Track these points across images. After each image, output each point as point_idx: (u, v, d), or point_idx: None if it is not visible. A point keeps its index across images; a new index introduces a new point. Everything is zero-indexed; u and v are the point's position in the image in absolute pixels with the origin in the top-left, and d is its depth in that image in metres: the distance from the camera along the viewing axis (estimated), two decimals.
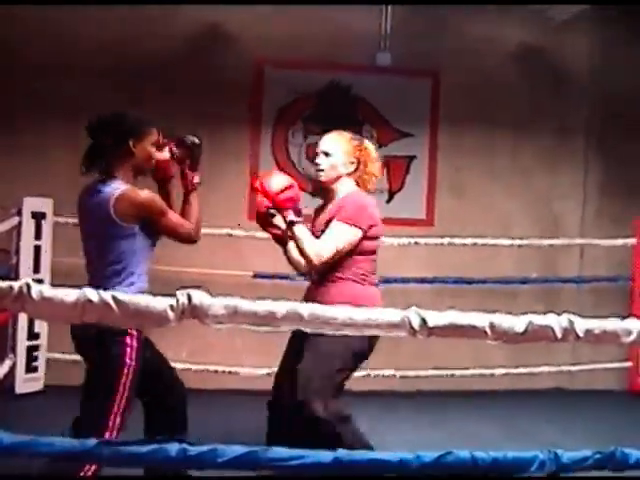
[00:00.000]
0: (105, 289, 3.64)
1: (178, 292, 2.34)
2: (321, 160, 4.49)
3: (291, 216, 4.29)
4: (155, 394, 4.28)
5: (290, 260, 4.72)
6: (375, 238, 4.39)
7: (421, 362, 7.13)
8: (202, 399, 6.46)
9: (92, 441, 2.41)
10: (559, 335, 2.51)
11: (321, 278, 4.42)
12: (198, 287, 2.39)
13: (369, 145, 4.63)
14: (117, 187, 3.91)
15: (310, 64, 7.38)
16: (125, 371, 3.86)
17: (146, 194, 3.93)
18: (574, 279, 7.83)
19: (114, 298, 2.29)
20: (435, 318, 2.43)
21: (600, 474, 2.69)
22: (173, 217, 4.04)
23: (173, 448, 2.42)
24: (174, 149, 4.17)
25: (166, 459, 2.42)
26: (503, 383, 7.43)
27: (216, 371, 6.94)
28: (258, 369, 6.92)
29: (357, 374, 6.87)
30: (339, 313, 2.39)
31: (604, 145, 7.96)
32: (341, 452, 2.48)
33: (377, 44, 7.38)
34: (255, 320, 2.36)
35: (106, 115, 4.10)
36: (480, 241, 7.21)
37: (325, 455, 2.47)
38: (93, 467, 3.73)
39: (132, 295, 2.40)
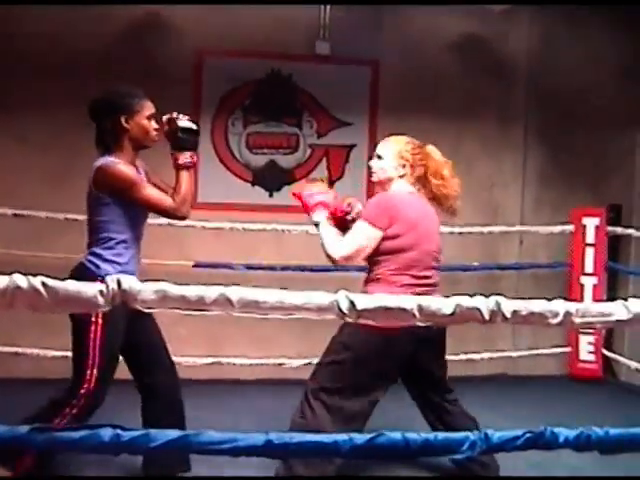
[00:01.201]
0: (91, 254, 4.12)
1: (107, 277, 2.35)
2: (373, 162, 4.72)
3: (315, 217, 4.55)
4: (151, 376, 4.50)
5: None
6: (394, 237, 4.42)
7: None
8: None
9: (24, 428, 2.41)
10: (487, 317, 2.54)
11: (364, 282, 4.59)
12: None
13: (431, 149, 4.78)
14: (102, 160, 4.17)
15: (250, 53, 7.36)
16: (92, 328, 4.11)
17: (120, 168, 4.13)
18: (514, 266, 7.92)
19: (43, 284, 2.28)
20: (364, 301, 2.46)
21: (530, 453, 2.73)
22: (147, 190, 4.16)
23: (106, 433, 2.42)
24: (165, 127, 4.31)
25: (99, 444, 2.42)
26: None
27: None
28: (201, 359, 6.93)
29: (298, 362, 6.96)
30: (268, 297, 2.41)
31: (543, 134, 8.04)
32: (273, 435, 2.50)
33: (316, 33, 7.39)
34: (185, 305, 2.37)
35: (97, 97, 4.35)
36: None
37: (257, 438, 2.48)
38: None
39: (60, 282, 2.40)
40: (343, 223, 4.68)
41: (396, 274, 4.44)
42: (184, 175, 4.25)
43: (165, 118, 4.31)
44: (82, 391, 4.13)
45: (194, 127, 4.31)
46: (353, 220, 4.62)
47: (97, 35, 7.09)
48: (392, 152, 4.64)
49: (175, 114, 4.29)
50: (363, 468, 4.81)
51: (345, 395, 4.44)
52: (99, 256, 4.19)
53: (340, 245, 4.43)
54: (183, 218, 4.29)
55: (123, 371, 4.49)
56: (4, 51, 6.93)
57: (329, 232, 4.51)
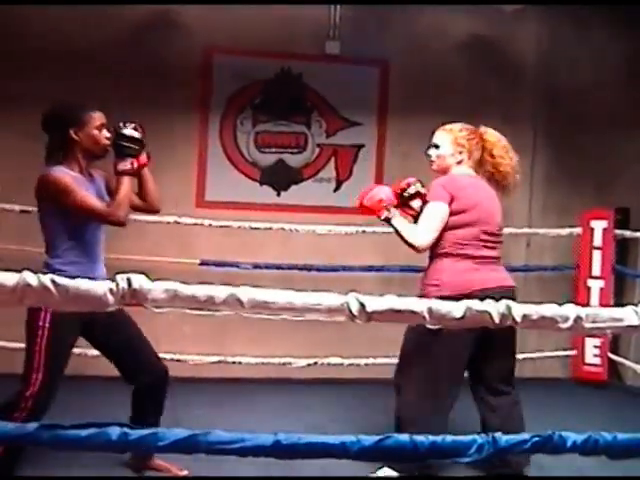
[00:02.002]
0: (43, 265, 4.14)
1: (118, 276, 2.35)
2: (431, 152, 4.90)
3: (384, 215, 4.68)
4: (136, 372, 4.59)
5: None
6: (458, 212, 4.60)
7: (366, 350, 7.15)
8: None
9: (32, 425, 2.41)
10: (497, 320, 2.53)
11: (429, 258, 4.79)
12: (141, 273, 2.41)
13: (485, 130, 5.03)
14: (44, 171, 4.27)
15: (259, 52, 7.36)
16: (39, 332, 4.16)
17: (56, 175, 4.22)
18: (521, 268, 7.90)
19: (53, 282, 2.28)
20: (374, 303, 2.46)
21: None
22: (82, 197, 4.20)
23: (114, 432, 2.41)
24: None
25: (107, 442, 2.41)
26: None
27: (164, 359, 6.90)
28: (206, 357, 6.93)
29: (304, 362, 6.96)
30: (278, 298, 2.41)
31: (551, 136, 8.03)
32: (281, 435, 2.49)
33: (326, 33, 7.39)
34: (195, 304, 2.37)
35: (47, 110, 4.42)
36: None
37: (266, 438, 2.48)
38: None
39: (72, 280, 2.39)
40: (406, 201, 4.77)
41: (462, 247, 4.61)
42: (122, 181, 4.29)
43: (114, 126, 4.38)
44: (27, 394, 4.18)
45: (136, 135, 4.33)
46: (413, 196, 4.74)
47: (106, 33, 7.09)
48: (448, 140, 4.85)
49: (121, 123, 4.34)
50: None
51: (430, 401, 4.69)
52: (48, 266, 4.23)
53: (419, 233, 4.58)
54: (119, 224, 4.29)
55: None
56: (12, 49, 6.94)
57: (402, 224, 4.65)
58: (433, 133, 4.99)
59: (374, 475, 4.56)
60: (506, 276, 4.82)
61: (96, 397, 6.00)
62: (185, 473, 4.73)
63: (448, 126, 4.95)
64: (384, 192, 4.76)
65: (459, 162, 4.80)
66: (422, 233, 4.57)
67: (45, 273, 3.96)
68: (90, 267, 4.33)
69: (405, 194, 4.76)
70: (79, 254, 4.31)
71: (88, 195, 4.24)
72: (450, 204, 4.58)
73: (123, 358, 4.60)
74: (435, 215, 4.58)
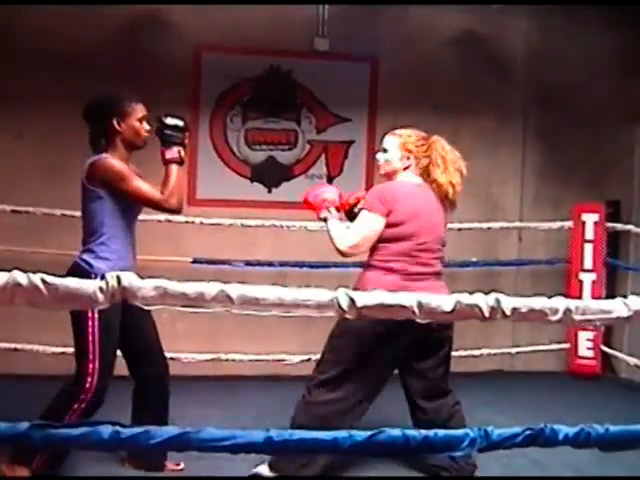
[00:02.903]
0: (84, 251, 4.23)
1: (107, 274, 2.35)
2: (379, 155, 4.80)
3: (323, 214, 4.69)
4: (145, 366, 4.66)
5: None
6: (395, 225, 4.50)
7: None
8: None
9: (24, 425, 2.41)
10: (486, 313, 2.54)
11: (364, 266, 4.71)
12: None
13: (435, 139, 4.77)
14: (95, 157, 4.32)
15: (249, 49, 7.36)
16: (90, 323, 4.23)
17: (112, 161, 4.29)
18: (513, 262, 7.91)
19: (43, 281, 2.28)
20: (363, 298, 2.46)
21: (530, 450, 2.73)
22: (137, 183, 4.28)
23: (106, 430, 2.41)
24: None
25: (99, 441, 2.41)
26: None
27: None
28: (200, 355, 6.93)
29: (298, 358, 6.96)
30: (268, 294, 2.41)
31: (542, 130, 8.04)
32: (273, 432, 2.49)
33: (315, 29, 7.40)
34: (185, 301, 2.38)
35: (90, 100, 4.47)
36: None
37: (257, 435, 2.48)
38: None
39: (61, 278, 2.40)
40: (353, 216, 4.76)
41: (391, 261, 4.51)
42: (172, 169, 4.37)
43: (156, 118, 4.46)
44: (87, 385, 4.24)
45: (180, 123, 4.46)
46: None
47: (95, 32, 7.08)
48: (396, 144, 4.71)
49: (164, 114, 4.46)
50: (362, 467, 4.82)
51: (344, 387, 4.53)
52: (92, 253, 4.30)
53: (345, 238, 4.52)
54: (174, 211, 4.42)
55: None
56: (1, 49, 6.92)
57: (334, 226, 4.62)
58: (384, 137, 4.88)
59: (253, 471, 4.57)
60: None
61: None
62: (182, 467, 4.74)
63: (398, 131, 4.83)
64: (330, 193, 4.81)
65: (406, 168, 4.69)
66: (348, 238, 4.52)
67: (85, 261, 4.25)
68: (128, 256, 4.43)
69: (355, 209, 4.79)
70: (121, 242, 4.38)
71: (142, 182, 4.32)
72: (387, 216, 4.49)
73: (134, 347, 4.66)
74: (366, 224, 4.52)
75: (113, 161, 4.29)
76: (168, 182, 4.33)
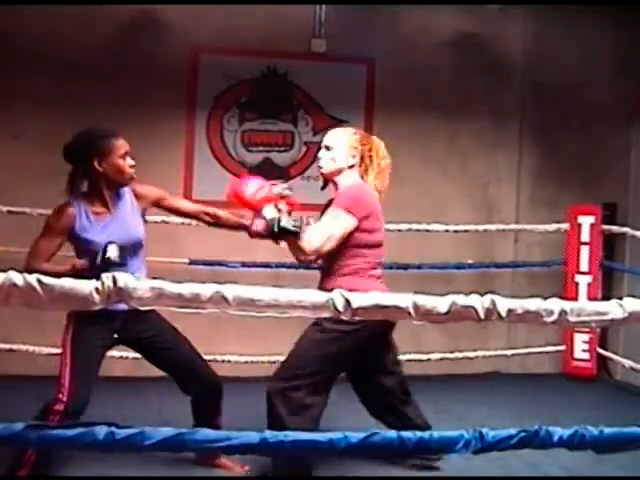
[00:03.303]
0: None
1: (103, 275, 2.35)
2: (322, 153, 4.67)
3: (268, 214, 4.30)
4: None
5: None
6: (370, 231, 4.48)
7: None
8: (138, 386, 6.47)
9: (20, 425, 2.41)
10: (482, 315, 2.54)
11: (323, 271, 4.63)
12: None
13: (376, 140, 4.77)
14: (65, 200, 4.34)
15: (245, 51, 7.36)
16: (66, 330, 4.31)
17: (60, 209, 4.34)
18: (509, 264, 7.92)
19: (39, 281, 2.28)
20: (359, 299, 2.47)
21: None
22: (38, 242, 4.29)
23: (101, 431, 2.41)
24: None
25: (94, 442, 2.41)
26: (439, 368, 7.49)
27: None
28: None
29: None
30: (264, 295, 2.42)
31: (538, 132, 8.04)
32: (268, 433, 2.50)
33: (312, 31, 7.40)
34: (181, 302, 2.37)
35: (69, 141, 4.38)
36: (415, 227, 7.25)
37: (252, 436, 2.48)
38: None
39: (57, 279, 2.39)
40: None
41: (371, 268, 4.52)
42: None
43: (269, 218, 4.24)
44: (59, 396, 4.18)
45: (294, 231, 4.24)
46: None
47: (92, 32, 7.07)
48: (342, 142, 4.63)
49: (282, 217, 4.23)
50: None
51: (309, 390, 4.52)
52: None
53: (310, 234, 4.35)
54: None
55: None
56: None
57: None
58: (325, 133, 4.84)
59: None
60: None
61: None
62: (247, 469, 4.80)
63: (341, 129, 4.83)
64: (269, 192, 4.36)
65: (350, 166, 4.62)
66: (321, 238, 4.36)
67: None
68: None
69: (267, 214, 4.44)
70: None
71: (45, 244, 4.28)
72: (363, 220, 4.43)
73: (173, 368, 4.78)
74: (339, 223, 4.41)
75: (54, 214, 4.33)
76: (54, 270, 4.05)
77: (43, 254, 4.24)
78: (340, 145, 4.61)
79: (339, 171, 4.62)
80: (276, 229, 4.23)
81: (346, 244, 4.43)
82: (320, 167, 4.69)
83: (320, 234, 4.35)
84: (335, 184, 4.68)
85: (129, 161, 4.32)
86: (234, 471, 4.79)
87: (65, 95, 6.90)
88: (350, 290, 4.07)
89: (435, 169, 7.80)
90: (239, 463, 4.80)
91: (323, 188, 4.85)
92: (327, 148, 4.64)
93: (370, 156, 4.65)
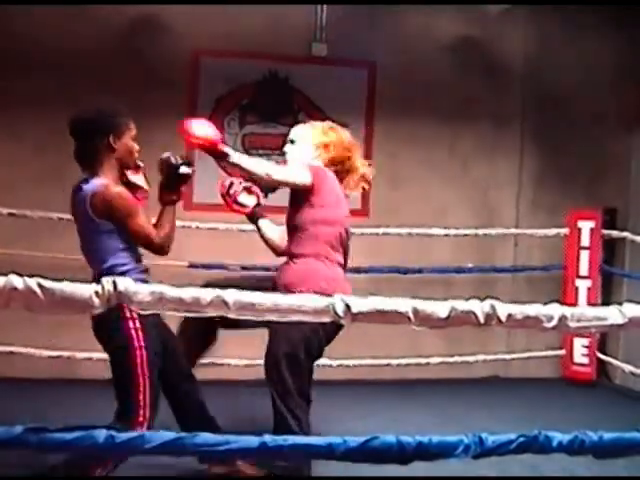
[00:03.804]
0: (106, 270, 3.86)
1: (103, 279, 2.35)
2: (287, 148, 4.69)
3: (225, 148, 4.32)
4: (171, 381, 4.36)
5: (265, 240, 4.92)
6: (323, 206, 4.43)
7: (357, 351, 7.15)
8: None
9: (18, 428, 2.40)
10: (482, 320, 2.55)
11: (288, 258, 4.57)
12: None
13: (340, 130, 4.81)
14: (95, 184, 3.98)
15: (247, 54, 7.36)
16: (137, 354, 3.99)
17: (117, 191, 3.99)
18: (509, 268, 7.92)
19: (40, 285, 2.28)
20: (359, 304, 2.47)
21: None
22: (141, 221, 4.01)
23: (100, 435, 2.41)
24: (159, 164, 4.22)
25: (93, 445, 2.41)
26: (439, 372, 7.49)
27: None
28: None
29: None
30: (264, 299, 2.42)
31: (539, 136, 8.05)
32: (268, 437, 2.50)
33: (313, 34, 7.42)
34: (181, 306, 2.37)
35: (84, 114, 4.15)
36: (415, 231, 7.26)
37: (251, 440, 2.48)
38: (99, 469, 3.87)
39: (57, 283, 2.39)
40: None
41: (331, 252, 4.46)
42: (170, 211, 4.18)
43: (164, 159, 4.21)
44: (140, 419, 4.00)
45: (190, 173, 4.25)
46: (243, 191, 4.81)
47: (94, 35, 7.08)
48: (307, 136, 4.67)
49: (172, 158, 4.20)
50: None
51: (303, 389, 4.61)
52: (112, 272, 3.91)
53: (270, 167, 4.41)
54: (162, 254, 4.17)
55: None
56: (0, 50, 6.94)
57: (246, 158, 4.45)
58: (292, 128, 4.86)
59: None
60: None
61: (85, 400, 5.99)
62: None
63: (307, 123, 4.89)
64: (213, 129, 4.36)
65: (316, 159, 4.61)
66: (279, 173, 4.39)
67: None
68: (140, 267, 4.20)
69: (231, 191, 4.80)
70: (134, 274, 3.98)
71: (146, 220, 4.05)
72: (314, 186, 4.41)
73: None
74: (297, 173, 4.42)
75: (122, 192, 4.01)
76: (166, 225, 4.11)
77: (153, 231, 4.05)
78: (306, 140, 4.66)
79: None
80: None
81: (304, 220, 4.45)
82: (285, 162, 4.70)
83: (280, 171, 4.44)
84: None
85: (136, 146, 4.21)
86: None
87: (66, 97, 6.89)
88: (307, 275, 4.35)
89: (436, 173, 7.80)
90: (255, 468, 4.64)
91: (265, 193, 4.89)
92: (292, 142, 4.70)
93: (335, 147, 4.66)
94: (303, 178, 4.39)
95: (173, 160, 4.19)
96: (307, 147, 4.63)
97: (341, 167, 4.67)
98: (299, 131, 4.74)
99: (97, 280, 3.59)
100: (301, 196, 4.47)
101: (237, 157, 4.34)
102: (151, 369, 4.03)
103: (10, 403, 5.51)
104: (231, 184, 4.82)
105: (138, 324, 3.96)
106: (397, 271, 7.26)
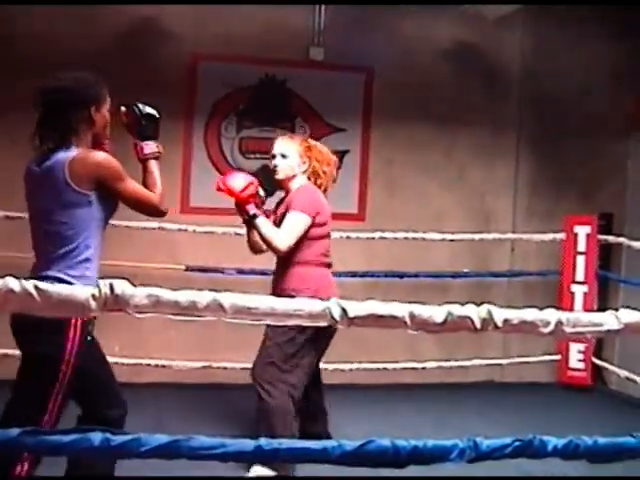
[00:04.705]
0: (60, 273, 3.54)
1: (100, 282, 2.35)
2: (278, 161, 5.15)
3: (253, 210, 4.90)
4: (94, 404, 3.86)
5: (253, 241, 5.22)
6: (322, 224, 5.07)
7: (354, 355, 7.16)
8: (134, 392, 6.45)
9: (15, 430, 2.40)
10: (478, 325, 2.55)
11: (283, 264, 5.09)
12: (125, 279, 2.40)
13: (318, 145, 5.31)
14: (72, 152, 3.60)
15: (244, 58, 7.37)
16: (63, 367, 3.58)
17: (103, 156, 3.66)
18: (505, 273, 7.93)
19: (36, 288, 2.28)
20: (355, 308, 2.47)
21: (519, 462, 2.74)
22: (134, 184, 3.72)
23: (96, 437, 2.41)
24: (124, 117, 3.97)
25: (89, 448, 2.41)
26: (435, 376, 7.50)
27: (149, 364, 6.89)
28: (192, 362, 6.93)
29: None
30: (260, 303, 2.42)
31: (536, 141, 8.06)
32: (263, 440, 2.50)
33: (310, 39, 7.42)
34: (177, 310, 2.37)
35: (60, 82, 3.75)
36: (411, 235, 7.26)
37: (247, 444, 2.48)
38: (25, 467, 3.59)
39: (53, 285, 2.38)
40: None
41: (321, 257, 5.09)
42: (153, 165, 3.87)
43: (123, 107, 3.97)
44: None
45: (156, 114, 3.96)
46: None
47: (91, 37, 7.07)
48: (294, 150, 5.14)
49: (139, 104, 3.96)
50: None
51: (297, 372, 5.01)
52: (74, 270, 3.62)
53: (282, 236, 4.90)
54: (163, 215, 3.87)
55: None
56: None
57: (268, 225, 4.96)
58: (275, 142, 5.29)
59: (248, 475, 4.74)
60: None
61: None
62: None
63: (289, 138, 5.34)
64: (252, 187, 4.93)
65: (304, 172, 5.16)
66: (287, 237, 4.89)
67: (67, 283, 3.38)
68: (96, 275, 3.70)
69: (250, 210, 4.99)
70: (95, 256, 3.71)
71: (132, 183, 3.72)
72: (315, 217, 4.98)
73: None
74: (300, 225, 4.94)
75: (106, 156, 3.67)
76: (154, 181, 3.82)
77: (149, 192, 3.76)
78: (294, 153, 5.13)
79: (295, 176, 5.15)
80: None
81: (301, 237, 4.98)
82: (277, 173, 5.15)
83: (289, 234, 4.91)
84: (287, 188, 5.18)
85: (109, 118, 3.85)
86: None
87: None
88: (302, 278, 4.93)
89: (432, 178, 7.81)
90: None
91: (269, 191, 5.17)
92: (283, 156, 5.13)
93: (315, 160, 5.18)
94: (304, 224, 4.96)
95: (139, 106, 3.95)
96: (295, 159, 5.13)
97: (320, 173, 5.21)
98: (284, 145, 5.18)
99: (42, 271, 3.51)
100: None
101: (262, 222, 4.90)
102: (70, 382, 3.61)
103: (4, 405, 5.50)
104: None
105: (77, 335, 3.58)
106: (393, 275, 7.26)
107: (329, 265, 5.19)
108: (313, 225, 5.00)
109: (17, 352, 3.82)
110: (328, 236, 5.19)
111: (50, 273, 3.57)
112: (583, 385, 7.70)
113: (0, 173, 6.94)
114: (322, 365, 6.95)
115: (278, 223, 5.03)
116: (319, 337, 4.91)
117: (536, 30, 7.89)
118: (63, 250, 3.60)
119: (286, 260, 5.03)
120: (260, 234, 4.91)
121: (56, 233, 3.62)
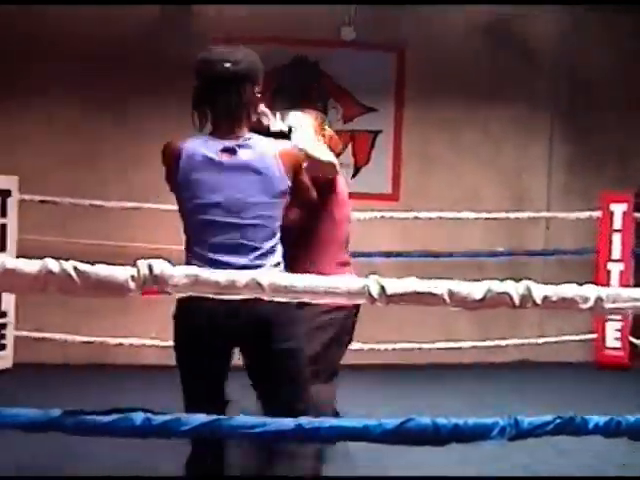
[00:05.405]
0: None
1: (139, 262, 2.35)
2: (292, 135, 4.26)
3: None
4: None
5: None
6: (341, 205, 4.26)
7: (389, 335, 7.15)
8: (173, 376, 6.48)
9: (56, 411, 2.42)
10: (517, 302, 2.54)
11: (306, 262, 4.11)
12: (158, 257, 2.39)
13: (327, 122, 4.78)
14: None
15: (275, 39, 7.33)
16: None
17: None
18: (540, 252, 7.89)
19: (75, 269, 2.29)
20: (394, 286, 2.46)
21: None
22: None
23: (138, 417, 2.43)
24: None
25: (131, 428, 2.43)
26: (470, 356, 7.49)
27: (157, 347, 6.84)
28: None
29: None
30: (299, 281, 2.41)
31: (571, 119, 7.99)
32: (303, 419, 2.50)
33: (342, 19, 7.38)
34: (216, 289, 2.37)
35: (248, 56, 3.39)
36: (445, 215, 7.23)
37: (287, 423, 2.49)
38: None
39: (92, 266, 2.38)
40: None
41: (340, 253, 4.28)
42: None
43: (261, 111, 3.59)
44: None
45: (286, 131, 3.72)
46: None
47: (122, 20, 7.08)
48: (310, 125, 4.50)
49: (271, 115, 3.71)
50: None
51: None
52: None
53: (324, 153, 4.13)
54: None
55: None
56: (32, 35, 6.96)
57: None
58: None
59: None
60: None
61: (116, 385, 6.02)
62: None
63: (303, 111, 4.63)
64: None
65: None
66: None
67: None
68: None
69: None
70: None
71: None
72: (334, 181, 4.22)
73: None
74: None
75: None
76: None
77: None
78: (309, 128, 4.47)
79: None
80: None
81: (322, 221, 4.19)
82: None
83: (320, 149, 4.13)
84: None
85: None
86: None
87: (94, 81, 6.91)
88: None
89: (467, 156, 7.77)
90: None
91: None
92: (290, 130, 4.30)
93: (327, 136, 4.59)
94: (334, 161, 4.15)
95: (270, 116, 3.68)
96: (310, 132, 4.38)
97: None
98: (300, 119, 4.48)
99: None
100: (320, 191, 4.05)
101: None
102: None
103: (44, 388, 5.55)
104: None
105: None
106: (428, 255, 7.24)
107: (346, 264, 4.29)
108: (334, 203, 4.17)
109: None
110: (348, 220, 4.36)
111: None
112: (620, 364, 7.64)
113: (35, 156, 6.96)
114: (357, 345, 6.97)
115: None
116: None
117: (572, 7, 7.80)
118: (270, 245, 3.28)
119: (298, 259, 3.89)
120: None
121: (263, 229, 3.27)
